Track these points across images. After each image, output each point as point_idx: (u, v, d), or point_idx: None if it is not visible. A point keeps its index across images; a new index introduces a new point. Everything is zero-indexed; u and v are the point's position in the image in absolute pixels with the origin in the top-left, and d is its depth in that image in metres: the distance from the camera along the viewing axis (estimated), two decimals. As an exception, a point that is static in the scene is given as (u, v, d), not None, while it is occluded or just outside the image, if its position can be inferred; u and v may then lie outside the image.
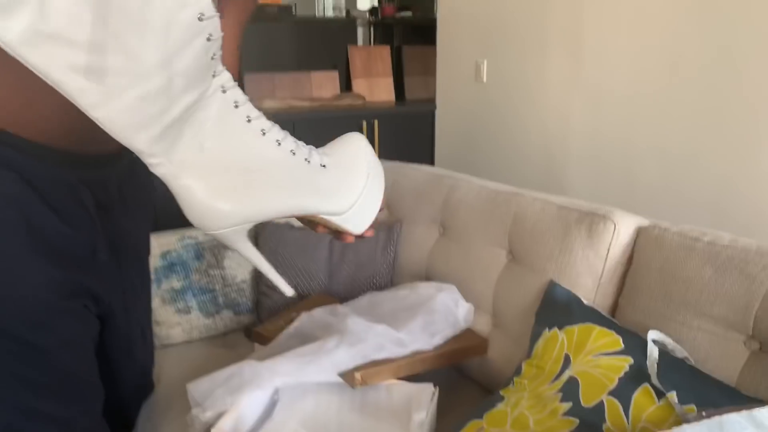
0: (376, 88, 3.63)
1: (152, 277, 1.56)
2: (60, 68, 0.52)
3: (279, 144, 0.63)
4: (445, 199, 1.53)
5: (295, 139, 0.66)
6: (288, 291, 0.71)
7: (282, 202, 0.63)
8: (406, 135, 3.38)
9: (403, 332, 1.26)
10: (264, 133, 0.62)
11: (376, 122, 3.26)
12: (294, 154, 0.64)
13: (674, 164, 2.17)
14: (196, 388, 1.11)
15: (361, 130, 3.21)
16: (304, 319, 1.37)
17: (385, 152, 3.32)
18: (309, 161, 0.66)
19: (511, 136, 2.89)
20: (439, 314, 1.31)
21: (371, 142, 3.43)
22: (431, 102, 3.39)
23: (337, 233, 0.74)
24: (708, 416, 0.77)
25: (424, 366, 1.24)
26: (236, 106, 0.61)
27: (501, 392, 1.09)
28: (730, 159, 1.93)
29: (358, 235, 0.73)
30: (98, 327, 0.92)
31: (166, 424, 1.25)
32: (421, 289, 1.37)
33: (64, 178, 0.81)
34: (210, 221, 0.61)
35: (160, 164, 0.58)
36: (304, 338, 1.31)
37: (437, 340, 1.28)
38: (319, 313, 1.38)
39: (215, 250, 1.67)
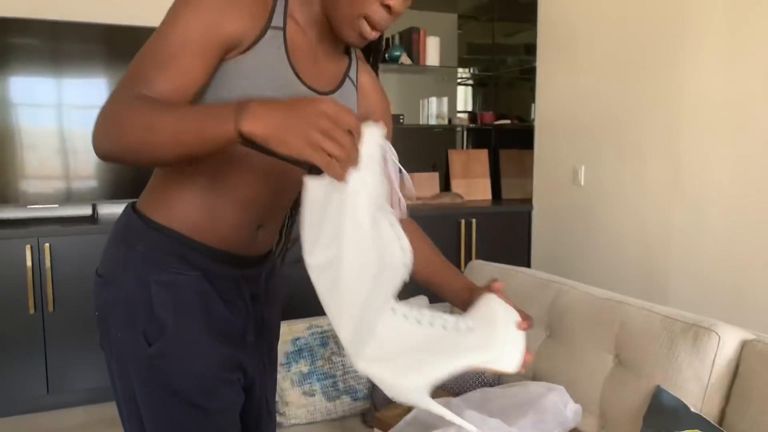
0: (473, 188, 3.84)
1: (284, 360, 1.77)
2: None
3: (432, 325, 0.86)
4: (552, 302, 1.66)
5: (442, 314, 0.89)
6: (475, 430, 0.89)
7: (445, 368, 0.83)
8: (502, 233, 3.53)
9: (515, 428, 1.36)
10: (419, 322, 0.86)
11: (474, 221, 3.44)
12: (444, 328, 0.86)
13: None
14: None
15: (459, 228, 3.39)
16: (420, 409, 1.50)
17: (481, 250, 3.46)
18: (457, 329, 0.87)
19: (609, 240, 2.96)
20: (549, 413, 1.40)
21: (469, 239, 3.60)
22: (527, 202, 3.55)
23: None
24: None
25: (535, 461, 1.33)
26: (394, 311, 0.86)
27: (611, 491, 1.17)
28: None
29: (515, 372, 0.90)
30: (243, 397, 1.11)
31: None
32: (532, 388, 1.47)
33: (232, 274, 1.04)
34: (399, 394, 0.83)
35: (357, 362, 0.82)
36: (422, 426, 1.44)
37: None
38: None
39: (338, 338, 1.85)
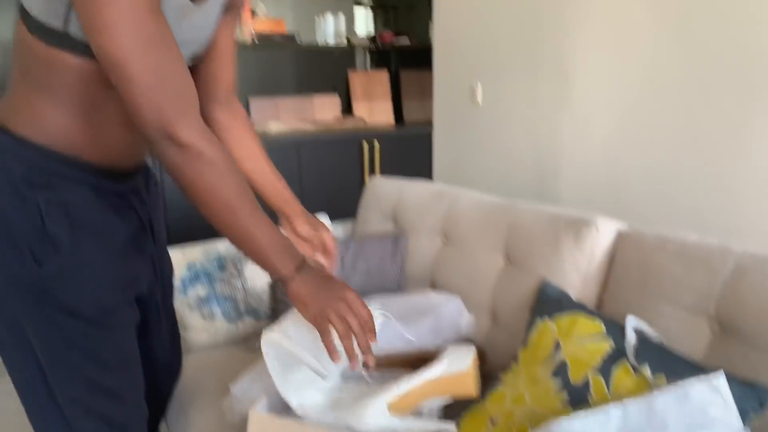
0: (376, 111, 3.81)
1: (180, 286, 1.71)
2: None
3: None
4: (447, 212, 1.69)
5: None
6: None
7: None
8: (405, 155, 3.55)
9: (413, 330, 1.40)
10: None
11: (377, 144, 3.43)
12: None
13: (658, 175, 2.34)
14: (237, 387, 1.26)
15: (362, 151, 3.38)
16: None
17: (386, 171, 3.48)
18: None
19: (506, 155, 3.06)
20: (446, 320, 1.46)
21: (372, 162, 3.60)
22: (428, 124, 3.57)
23: None
24: (676, 385, 0.93)
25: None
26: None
27: (501, 375, 1.24)
28: (710, 168, 2.10)
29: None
30: (139, 315, 1.10)
31: (197, 414, 1.39)
32: (431, 297, 1.52)
33: (119, 188, 1.03)
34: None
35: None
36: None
37: (440, 342, 1.43)
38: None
39: (236, 261, 1.81)
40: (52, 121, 0.93)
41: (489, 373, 1.34)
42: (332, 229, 1.28)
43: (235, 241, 0.91)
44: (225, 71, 1.13)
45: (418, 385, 1.14)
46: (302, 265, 0.93)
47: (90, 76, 0.90)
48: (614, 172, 2.51)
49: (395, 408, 1.12)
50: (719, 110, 2.04)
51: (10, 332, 0.98)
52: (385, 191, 2.00)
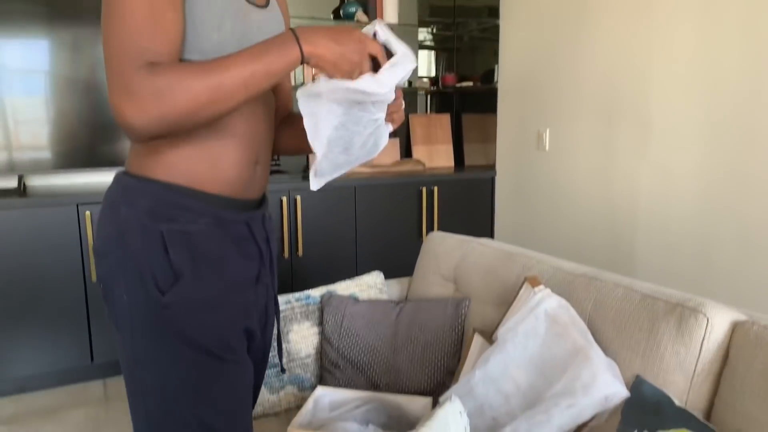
0: (435, 154, 3.65)
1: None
2: None
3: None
4: (518, 278, 1.49)
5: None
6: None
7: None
8: (465, 201, 3.37)
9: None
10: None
11: (435, 188, 3.26)
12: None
13: (756, 246, 2.05)
14: None
15: (420, 197, 3.22)
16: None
17: (444, 219, 3.31)
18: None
19: (574, 206, 2.82)
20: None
21: (430, 208, 3.43)
22: (491, 169, 3.39)
23: None
24: None
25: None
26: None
27: (585, 498, 1.01)
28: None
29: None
30: (249, 350, 1.09)
31: None
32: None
33: (240, 218, 1.04)
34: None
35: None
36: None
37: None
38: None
39: (281, 323, 1.66)
40: (172, 155, 0.96)
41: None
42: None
43: (249, 94, 0.90)
44: (286, 100, 1.24)
45: None
46: (296, 32, 0.91)
47: None
48: (701, 236, 2.23)
49: None
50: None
51: (136, 363, 0.99)
52: (444, 249, 1.82)
